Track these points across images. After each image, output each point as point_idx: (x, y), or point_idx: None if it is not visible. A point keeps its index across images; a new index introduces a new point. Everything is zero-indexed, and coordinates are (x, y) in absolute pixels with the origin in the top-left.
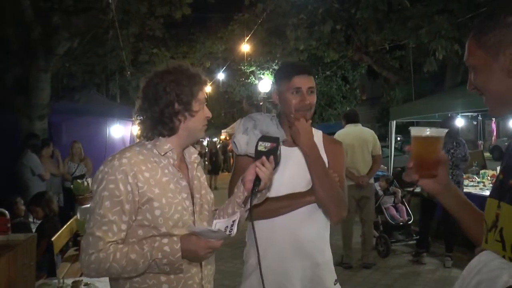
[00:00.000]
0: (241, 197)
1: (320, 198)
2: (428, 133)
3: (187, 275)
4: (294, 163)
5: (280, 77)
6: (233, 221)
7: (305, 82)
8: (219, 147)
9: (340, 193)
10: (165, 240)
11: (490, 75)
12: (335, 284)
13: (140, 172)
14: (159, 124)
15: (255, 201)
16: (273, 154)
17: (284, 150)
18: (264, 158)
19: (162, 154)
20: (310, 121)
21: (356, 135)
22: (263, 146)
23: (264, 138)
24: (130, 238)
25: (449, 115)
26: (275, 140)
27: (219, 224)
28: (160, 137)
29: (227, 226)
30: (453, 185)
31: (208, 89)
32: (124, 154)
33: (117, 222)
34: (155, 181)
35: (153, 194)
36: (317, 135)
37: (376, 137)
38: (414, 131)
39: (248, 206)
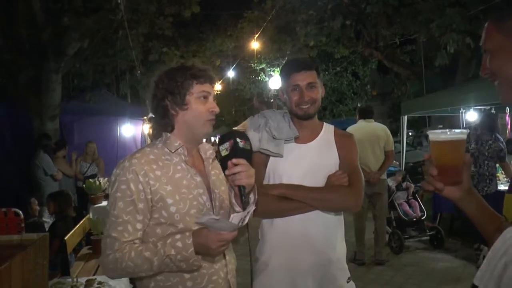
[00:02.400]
0: (235, 204)
1: (326, 209)
2: (450, 136)
3: (210, 271)
4: (307, 161)
5: (282, 75)
6: (248, 212)
7: (303, 78)
8: None
9: (344, 189)
10: (178, 236)
11: (508, 60)
12: (348, 282)
13: (150, 170)
14: (157, 119)
15: (252, 207)
16: (237, 152)
17: (296, 147)
18: (229, 164)
19: (173, 151)
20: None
21: (367, 130)
22: (224, 149)
23: (221, 140)
24: (149, 237)
25: (491, 108)
26: (230, 136)
27: (235, 217)
28: (169, 135)
29: (241, 218)
30: (474, 189)
31: (217, 87)
32: (134, 155)
33: (132, 221)
34: (167, 179)
35: (165, 192)
36: (329, 130)
37: (389, 132)
38: (433, 135)
39: (249, 208)
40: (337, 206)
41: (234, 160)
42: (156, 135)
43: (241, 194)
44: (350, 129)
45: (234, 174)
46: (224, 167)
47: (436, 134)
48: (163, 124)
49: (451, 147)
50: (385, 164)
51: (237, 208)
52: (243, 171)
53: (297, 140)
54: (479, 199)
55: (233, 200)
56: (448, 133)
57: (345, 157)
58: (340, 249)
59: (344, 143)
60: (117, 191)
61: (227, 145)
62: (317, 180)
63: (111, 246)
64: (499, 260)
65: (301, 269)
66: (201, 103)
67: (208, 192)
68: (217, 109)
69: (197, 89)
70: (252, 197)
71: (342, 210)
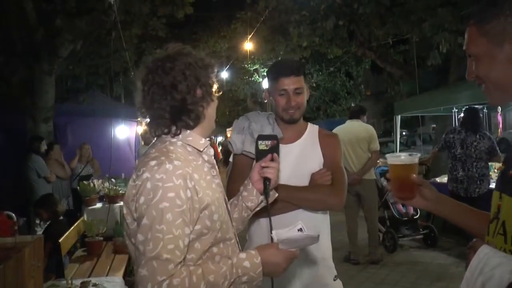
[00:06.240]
0: (254, 201)
1: (310, 208)
2: (402, 160)
3: None
4: (290, 161)
5: (269, 77)
6: (299, 230)
7: (291, 83)
8: (223, 145)
9: (326, 188)
10: (243, 255)
11: (493, 64)
12: (334, 280)
13: (193, 173)
14: (182, 113)
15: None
16: (276, 151)
17: (281, 148)
18: (269, 156)
19: (201, 150)
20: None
21: (348, 131)
22: (264, 144)
23: (263, 137)
24: (188, 255)
25: (468, 107)
26: (274, 137)
27: (279, 234)
28: (189, 131)
29: (303, 234)
30: (444, 196)
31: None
32: (170, 154)
33: (182, 237)
34: (205, 182)
35: (209, 197)
36: (313, 130)
37: (374, 133)
38: (390, 159)
39: (257, 207)
40: (319, 205)
41: (275, 155)
42: (175, 132)
43: (265, 186)
44: (335, 129)
45: (267, 167)
46: (258, 158)
47: (392, 158)
48: (192, 119)
49: (402, 169)
50: (366, 165)
51: (249, 204)
52: (275, 167)
53: (281, 140)
54: (452, 203)
55: (252, 197)
56: (403, 157)
57: (329, 157)
58: (326, 248)
59: (328, 142)
60: (162, 200)
61: (269, 142)
62: (302, 179)
63: (163, 270)
64: (476, 280)
65: (287, 268)
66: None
67: (222, 194)
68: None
69: (214, 78)
70: (270, 198)
71: (325, 209)
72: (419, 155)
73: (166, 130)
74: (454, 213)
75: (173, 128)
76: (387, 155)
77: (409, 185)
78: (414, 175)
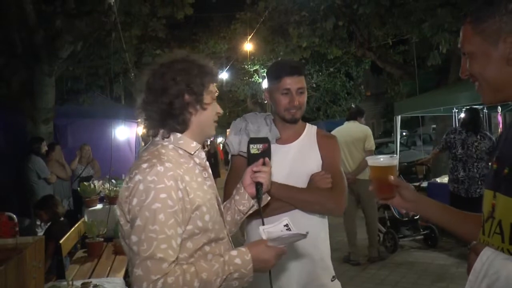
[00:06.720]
0: (246, 204)
1: (309, 210)
2: (380, 162)
3: None
4: (288, 161)
5: (271, 77)
6: (285, 225)
7: (294, 82)
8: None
9: (326, 192)
10: (234, 252)
11: (487, 63)
12: (332, 281)
13: (184, 175)
14: (169, 117)
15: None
16: (268, 155)
17: (278, 148)
18: (261, 160)
19: (192, 153)
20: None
21: (344, 132)
22: (255, 148)
23: (254, 140)
24: (179, 254)
25: (469, 107)
26: (265, 140)
27: (267, 230)
28: (180, 135)
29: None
30: (425, 198)
31: None
32: (161, 157)
33: (174, 236)
34: (197, 184)
35: (200, 198)
36: (311, 130)
37: (369, 133)
38: (370, 161)
39: (250, 210)
40: (318, 208)
41: (267, 160)
42: (163, 134)
43: (258, 191)
44: (333, 131)
45: (259, 171)
46: (250, 162)
47: (372, 160)
48: (179, 123)
49: (381, 170)
50: (360, 165)
51: (241, 207)
52: (267, 172)
53: (279, 141)
54: (434, 204)
55: (244, 201)
56: (381, 159)
57: (327, 159)
58: (324, 249)
59: (326, 144)
60: (154, 201)
61: (260, 146)
62: (299, 180)
63: (158, 269)
64: (480, 283)
65: (284, 268)
66: (212, 102)
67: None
68: (221, 110)
69: (212, 88)
70: (262, 201)
71: (323, 213)
72: (397, 157)
73: (155, 132)
74: (437, 214)
75: (162, 131)
76: (367, 158)
77: (388, 186)
78: (392, 177)
